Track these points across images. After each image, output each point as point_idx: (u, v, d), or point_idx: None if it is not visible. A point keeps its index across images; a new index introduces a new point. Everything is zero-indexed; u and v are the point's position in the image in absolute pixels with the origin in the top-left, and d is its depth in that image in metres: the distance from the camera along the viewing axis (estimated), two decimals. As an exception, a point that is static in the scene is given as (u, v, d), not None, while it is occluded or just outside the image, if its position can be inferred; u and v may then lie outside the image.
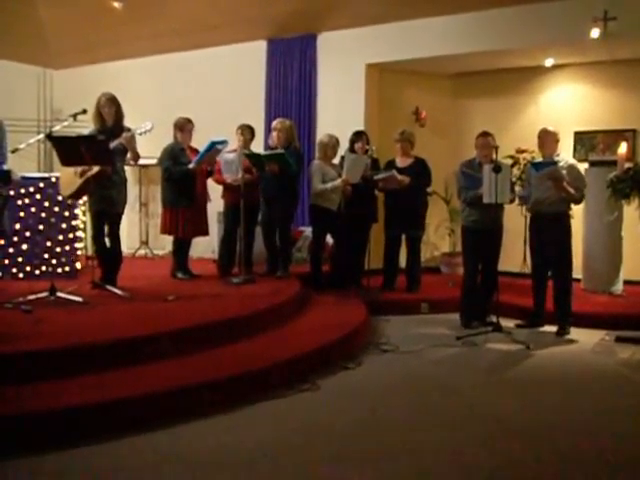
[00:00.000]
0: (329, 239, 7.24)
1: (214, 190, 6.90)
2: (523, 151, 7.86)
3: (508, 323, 6.00)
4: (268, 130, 7.81)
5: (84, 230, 6.72)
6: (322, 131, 7.74)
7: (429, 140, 8.11)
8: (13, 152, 5.30)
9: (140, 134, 5.45)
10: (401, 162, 7.03)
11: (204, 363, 4.26)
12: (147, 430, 3.52)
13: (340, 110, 8.20)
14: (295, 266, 7.20)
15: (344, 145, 7.04)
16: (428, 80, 8.73)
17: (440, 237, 8.80)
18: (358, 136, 7.00)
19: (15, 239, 6.31)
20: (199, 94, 8.87)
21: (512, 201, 6.12)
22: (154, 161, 7.68)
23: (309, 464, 3.21)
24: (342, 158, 6.85)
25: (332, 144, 6.88)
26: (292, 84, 8.59)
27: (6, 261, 6.34)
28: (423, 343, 5.54)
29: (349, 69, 8.27)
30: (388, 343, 5.48)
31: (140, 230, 8.98)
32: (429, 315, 6.69)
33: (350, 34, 8.22)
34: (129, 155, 5.60)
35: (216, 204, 7.01)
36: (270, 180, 6.58)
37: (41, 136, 5.42)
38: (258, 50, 8.72)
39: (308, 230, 7.59)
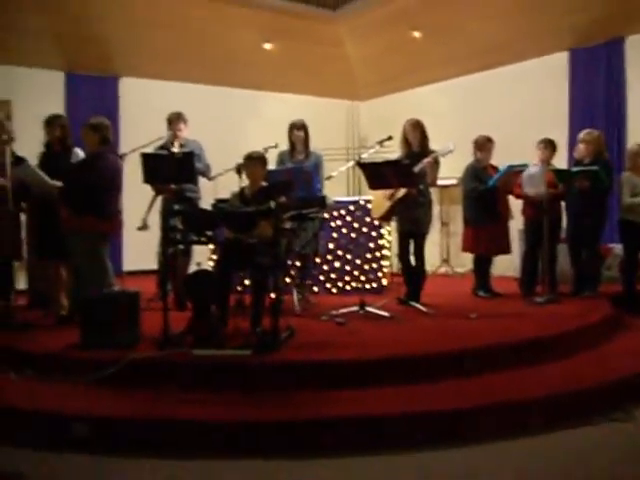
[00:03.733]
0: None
1: (515, 207, 6.76)
2: None
3: None
4: (571, 143, 7.44)
5: (389, 249, 7.05)
6: (632, 140, 7.14)
7: None
8: (327, 179, 5.79)
9: (443, 156, 5.57)
10: None
11: (508, 382, 4.16)
12: (447, 446, 3.55)
13: (653, 116, 7.49)
14: (605, 286, 6.71)
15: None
16: None
17: None
18: (675, 143, 6.31)
19: (329, 257, 6.87)
20: (499, 112, 8.76)
21: None
22: (454, 181, 7.78)
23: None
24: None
25: (644, 154, 6.30)
26: (598, 93, 8.06)
27: (321, 277, 6.92)
28: None
29: (663, 71, 7.53)
30: None
31: (441, 248, 9.14)
32: None
33: (664, 33, 7.49)
34: (428, 177, 5.75)
35: (517, 221, 6.85)
36: (576, 195, 6.24)
37: (351, 163, 5.82)
38: (559, 62, 8.35)
39: (618, 247, 7.01)
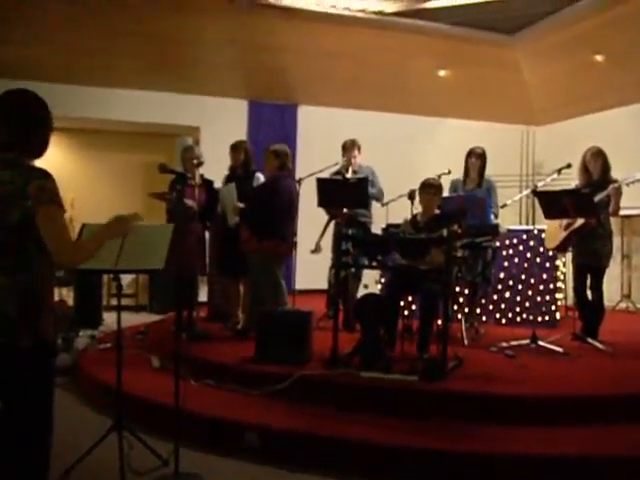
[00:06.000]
0: None
1: None
2: None
3: None
4: None
5: (564, 281, 6.73)
6: None
7: None
8: (502, 207, 5.66)
9: (627, 185, 5.26)
10: None
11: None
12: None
13: None
14: None
15: None
16: None
17: None
18: None
19: (499, 287, 6.68)
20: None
21: None
22: (638, 211, 7.32)
23: None
24: None
25: None
26: None
27: (490, 307, 6.74)
28: None
29: None
30: None
31: (622, 283, 8.57)
32: None
33: None
34: (610, 207, 5.44)
35: None
36: None
37: (527, 192, 5.64)
38: None
39: None
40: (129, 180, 9.74)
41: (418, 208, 5.48)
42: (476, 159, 6.14)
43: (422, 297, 4.95)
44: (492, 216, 5.86)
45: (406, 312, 5.33)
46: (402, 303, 5.17)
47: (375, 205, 6.42)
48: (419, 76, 9.37)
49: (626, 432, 3.81)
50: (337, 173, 6.32)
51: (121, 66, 8.31)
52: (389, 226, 6.19)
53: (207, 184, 5.92)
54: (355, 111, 9.48)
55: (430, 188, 5.27)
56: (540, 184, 5.57)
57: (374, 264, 4.99)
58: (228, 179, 6.19)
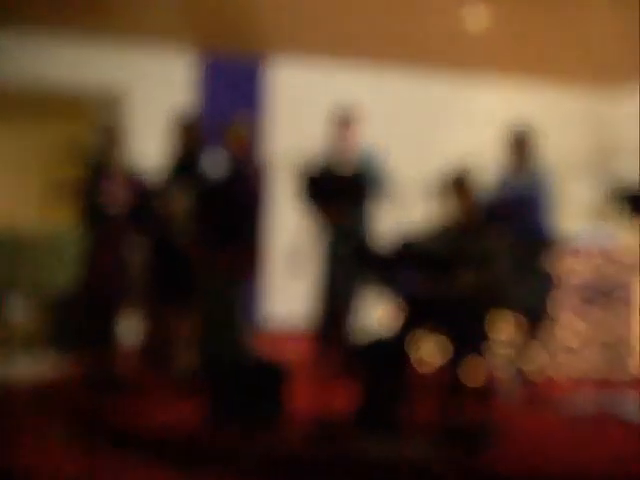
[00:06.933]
0: None
1: None
2: None
3: None
4: None
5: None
6: None
7: None
8: (563, 209, 5.65)
9: None
10: None
11: None
12: None
13: None
14: None
15: None
16: None
17: None
18: None
19: (559, 323, 6.69)
20: None
21: None
22: None
23: None
24: None
25: None
26: None
27: (546, 351, 6.76)
28: None
29: None
30: None
31: None
32: None
33: None
34: None
35: None
36: None
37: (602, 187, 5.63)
38: None
39: None
40: (20, 167, 9.72)
41: (443, 211, 5.53)
42: (521, 144, 6.18)
43: (449, 336, 5.00)
44: (548, 223, 5.92)
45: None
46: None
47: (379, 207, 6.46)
48: (441, 15, 9.36)
49: None
50: (325, 159, 6.36)
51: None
52: (404, 236, 6.22)
53: (135, 175, 5.95)
54: (351, 62, 9.40)
55: (455, 186, 5.32)
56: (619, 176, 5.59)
57: (380, 288, 5.04)
58: (170, 167, 6.20)
